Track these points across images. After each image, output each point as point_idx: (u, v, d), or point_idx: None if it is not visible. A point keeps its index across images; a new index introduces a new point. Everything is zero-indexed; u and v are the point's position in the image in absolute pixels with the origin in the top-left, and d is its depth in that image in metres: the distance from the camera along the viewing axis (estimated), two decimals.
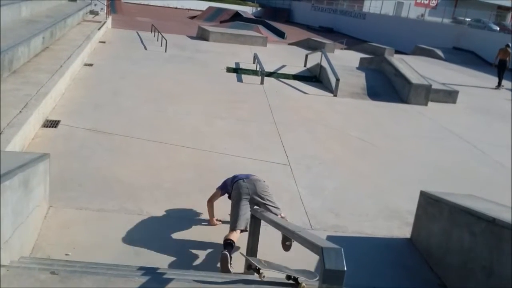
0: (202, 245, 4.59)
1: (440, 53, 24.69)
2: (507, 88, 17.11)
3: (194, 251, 4.49)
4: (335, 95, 12.13)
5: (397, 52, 23.19)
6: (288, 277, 3.46)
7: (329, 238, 5.08)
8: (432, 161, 8.03)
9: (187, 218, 5.09)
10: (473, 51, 26.11)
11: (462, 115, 12.04)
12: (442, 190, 6.76)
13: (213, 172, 6.27)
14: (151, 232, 4.71)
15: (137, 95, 9.58)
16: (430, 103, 12.47)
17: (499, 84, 17.22)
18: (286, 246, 4.44)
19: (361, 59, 16.68)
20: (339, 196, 6.19)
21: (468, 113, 12.33)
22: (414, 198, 6.31)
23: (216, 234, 4.81)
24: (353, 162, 7.52)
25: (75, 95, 9.01)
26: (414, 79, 12.82)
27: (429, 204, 4.88)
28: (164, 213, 5.12)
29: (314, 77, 13.99)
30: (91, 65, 11.74)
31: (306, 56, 15.70)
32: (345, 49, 24.45)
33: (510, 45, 17.46)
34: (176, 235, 4.72)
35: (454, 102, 13.28)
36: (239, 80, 12.48)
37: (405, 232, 5.46)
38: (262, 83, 12.22)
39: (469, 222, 4.21)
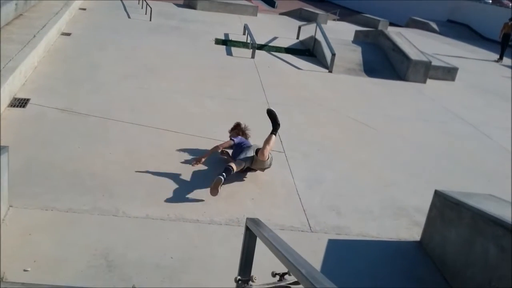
0: (188, 254, 3.97)
1: (434, 26, 23.94)
2: (505, 64, 16.57)
3: (178, 263, 3.87)
4: (330, 71, 11.43)
5: (391, 24, 22.38)
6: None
7: (331, 242, 4.51)
8: (436, 148, 7.46)
9: (170, 219, 4.45)
10: (468, 24, 25.38)
11: (463, 94, 11.46)
12: (449, 181, 6.28)
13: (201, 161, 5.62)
14: (128, 238, 4.06)
15: (117, 70, 8.78)
16: (428, 81, 11.88)
17: (501, 57, 17.27)
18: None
19: (356, 32, 15.89)
20: (340, 189, 5.60)
21: (469, 92, 11.75)
22: (420, 191, 5.83)
23: (205, 240, 4.19)
24: (353, 149, 6.90)
25: (48, 69, 8.19)
26: (413, 55, 12.14)
27: (446, 207, 4.30)
28: (144, 213, 4.47)
29: (308, 51, 13.24)
30: (69, 34, 10.83)
31: (299, 28, 14.89)
32: (337, 20, 23.56)
33: None
34: (158, 242, 4.09)
35: (453, 79, 12.69)
36: (229, 53, 11.69)
37: (414, 233, 4.90)
38: (253, 57, 11.45)
39: (496, 233, 3.64)
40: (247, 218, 3.35)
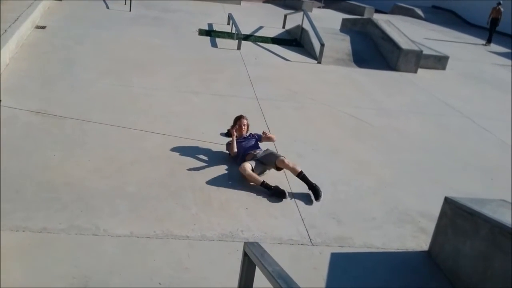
0: (178, 278, 3.56)
1: (420, 12, 23.66)
2: (495, 51, 16.37)
3: None
4: (319, 62, 11.03)
5: (376, 11, 22.05)
6: None
7: (334, 257, 4.13)
8: (434, 143, 7.13)
9: (157, 237, 4.01)
10: (453, 10, 25.12)
11: (455, 84, 11.16)
12: (451, 180, 5.95)
13: (189, 167, 5.20)
14: (111, 262, 3.62)
15: (96, 66, 8.25)
16: (419, 70, 11.57)
17: (489, 40, 17.56)
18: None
19: (344, 20, 15.47)
20: (339, 194, 5.22)
21: (461, 82, 11.46)
22: (423, 193, 5.52)
23: (196, 260, 3.78)
24: (350, 147, 6.53)
25: (21, 66, 7.63)
26: (403, 44, 11.80)
27: (459, 216, 3.94)
28: (128, 230, 4.02)
29: (295, 41, 12.82)
30: (43, 27, 10.22)
31: (285, 16, 14.43)
32: (322, 7, 23.10)
33: (501, 3, 17.62)
34: (144, 265, 3.66)
35: (444, 68, 12.42)
36: (214, 45, 11.19)
37: (421, 242, 4.55)
38: (239, 48, 10.98)
39: None
40: (245, 243, 2.96)
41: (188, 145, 5.79)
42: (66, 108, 6.25)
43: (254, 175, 5.06)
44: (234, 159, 5.47)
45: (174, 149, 5.61)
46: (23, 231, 3.82)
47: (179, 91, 7.63)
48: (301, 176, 5.12)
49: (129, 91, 7.27)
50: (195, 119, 6.61)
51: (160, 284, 3.48)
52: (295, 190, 5.10)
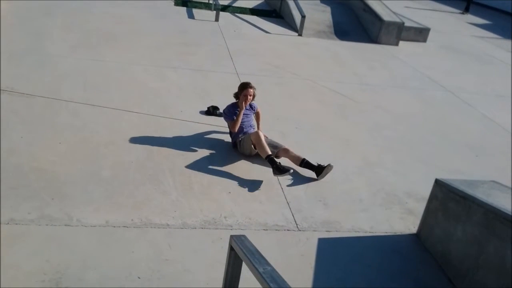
0: (158, 271, 3.34)
1: None
2: (473, 22, 16.28)
3: (147, 283, 3.23)
4: (300, 35, 10.71)
5: None
6: None
7: (322, 242, 3.97)
8: (418, 119, 7.01)
9: (135, 225, 3.77)
10: None
11: (436, 56, 11.04)
12: (435, 157, 5.84)
13: (168, 149, 4.93)
14: (85, 255, 3.37)
15: (66, 39, 7.79)
16: (400, 42, 11.39)
17: (467, 9, 17.59)
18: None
19: None
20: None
21: (442, 54, 11.33)
22: (408, 172, 5.43)
23: (177, 251, 3.56)
24: (333, 124, 6.34)
25: None
26: (385, 15, 11.55)
27: (451, 200, 3.81)
28: (103, 220, 3.77)
29: (274, 12, 12.42)
30: None
31: None
32: None
33: None
34: (122, 258, 3.42)
35: (424, 40, 12.28)
36: (190, 16, 10.74)
37: (409, 224, 4.43)
38: (217, 19, 10.57)
39: None
40: (231, 237, 2.74)
41: (167, 124, 5.50)
42: (34, 86, 5.85)
43: (266, 145, 4.80)
44: (230, 135, 5.22)
45: (152, 129, 5.32)
46: None
47: (155, 65, 7.27)
48: (304, 163, 4.91)
49: (102, 66, 6.88)
50: (173, 96, 6.30)
51: (139, 278, 3.26)
52: None
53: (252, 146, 4.94)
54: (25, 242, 3.40)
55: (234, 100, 5.26)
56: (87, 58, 7.10)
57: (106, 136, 5.02)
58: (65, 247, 3.42)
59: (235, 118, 5.09)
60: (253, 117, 5.39)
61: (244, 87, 5.14)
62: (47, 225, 3.60)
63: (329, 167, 4.86)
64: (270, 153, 4.77)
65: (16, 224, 3.55)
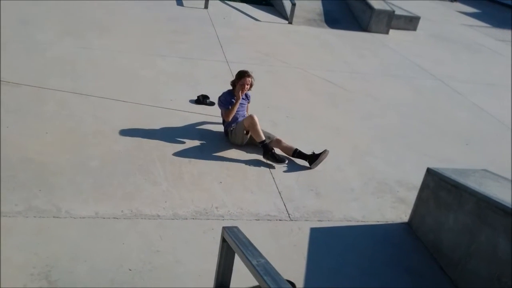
0: (149, 263, 3.30)
1: None
2: (462, 11, 16.31)
3: (138, 275, 3.19)
4: (290, 23, 10.64)
5: None
6: None
7: (314, 232, 3.96)
8: (408, 107, 7.01)
9: (125, 217, 3.72)
10: None
11: (426, 45, 11.05)
12: (426, 146, 5.85)
13: (158, 138, 4.87)
14: (75, 247, 3.31)
15: (53, 26, 7.63)
16: (390, 31, 11.36)
17: None
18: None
19: None
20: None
21: (432, 43, 11.35)
22: (399, 160, 5.44)
23: (168, 242, 3.52)
24: (324, 113, 6.30)
25: None
26: (375, 4, 11.50)
27: (443, 189, 3.81)
28: (93, 211, 3.71)
29: None
30: None
31: None
32: None
33: None
34: (112, 249, 3.37)
35: (414, 29, 12.29)
36: (179, 3, 10.59)
37: (400, 213, 4.43)
38: (206, 7, 10.44)
39: (508, 225, 3.18)
40: (224, 228, 2.70)
41: (156, 113, 5.43)
42: (20, 74, 5.73)
43: (261, 130, 4.76)
44: (222, 124, 5.15)
45: (141, 119, 5.24)
46: None
47: (144, 53, 7.16)
48: (297, 153, 4.87)
49: (89, 54, 6.75)
50: (163, 85, 6.22)
51: (130, 270, 3.21)
52: (272, 163, 4.84)
53: (244, 135, 4.88)
54: (12, 235, 3.32)
55: (226, 89, 5.18)
56: (74, 45, 6.97)
57: (94, 126, 4.94)
58: (54, 240, 3.36)
59: (230, 107, 4.99)
60: (247, 106, 5.32)
61: (242, 75, 4.99)
62: (35, 217, 3.53)
63: (324, 153, 4.84)
64: (264, 138, 4.73)
65: (3, 216, 3.47)
